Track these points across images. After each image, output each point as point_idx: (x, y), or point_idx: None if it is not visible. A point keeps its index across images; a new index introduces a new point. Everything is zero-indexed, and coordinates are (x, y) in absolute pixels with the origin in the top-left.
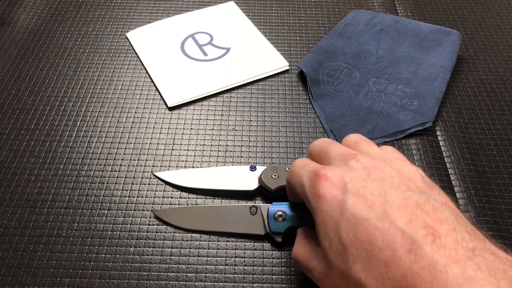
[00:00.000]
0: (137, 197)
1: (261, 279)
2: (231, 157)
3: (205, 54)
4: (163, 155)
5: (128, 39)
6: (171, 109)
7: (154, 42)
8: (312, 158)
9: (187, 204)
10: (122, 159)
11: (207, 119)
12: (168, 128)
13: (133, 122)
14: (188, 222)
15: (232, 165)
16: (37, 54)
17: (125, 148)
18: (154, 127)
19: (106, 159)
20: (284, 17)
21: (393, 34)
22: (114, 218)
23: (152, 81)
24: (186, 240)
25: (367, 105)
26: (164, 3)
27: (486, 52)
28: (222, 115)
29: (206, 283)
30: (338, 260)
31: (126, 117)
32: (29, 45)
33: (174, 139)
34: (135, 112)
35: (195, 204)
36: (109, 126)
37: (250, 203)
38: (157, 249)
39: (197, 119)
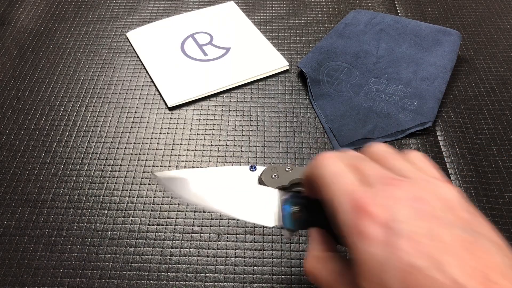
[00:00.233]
0: (137, 197)
1: (261, 279)
2: (231, 157)
3: (205, 54)
4: (163, 155)
5: (128, 39)
6: (171, 109)
7: (154, 42)
8: (345, 157)
9: (187, 205)
10: (122, 159)
11: (207, 119)
12: (168, 128)
13: (133, 122)
14: (190, 193)
15: (232, 165)
16: (37, 54)
17: (125, 148)
18: (154, 127)
19: (106, 159)
20: (284, 17)
21: (393, 34)
22: (114, 218)
23: (152, 81)
24: (186, 240)
25: (367, 105)
26: (164, 3)
27: (486, 52)
28: (222, 115)
29: (206, 283)
30: None
31: (126, 117)
32: (29, 45)
33: (174, 139)
34: (135, 112)
35: (195, 205)
36: (109, 126)
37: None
38: (157, 249)
39: (197, 119)
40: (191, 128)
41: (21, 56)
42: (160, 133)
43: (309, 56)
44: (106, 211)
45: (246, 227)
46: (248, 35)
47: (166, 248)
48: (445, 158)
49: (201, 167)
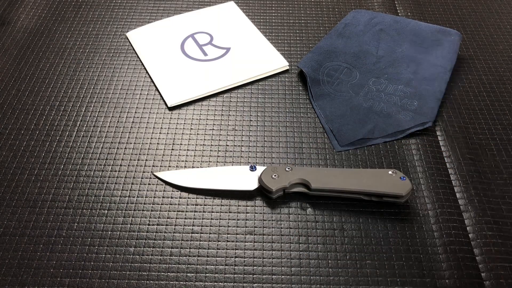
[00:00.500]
0: (137, 197)
1: (261, 279)
2: (231, 157)
3: (205, 54)
4: (163, 155)
5: (128, 39)
6: (171, 109)
7: (154, 42)
8: None
9: (187, 205)
10: (122, 159)
11: (207, 119)
12: (168, 128)
13: (133, 122)
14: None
15: (232, 165)
16: (37, 54)
17: (125, 148)
18: (154, 127)
19: (106, 159)
20: (284, 17)
21: (393, 34)
22: (114, 218)
23: (152, 81)
24: (186, 240)
25: (367, 105)
26: (164, 3)
27: (486, 52)
28: (222, 115)
29: (206, 283)
30: None
31: (126, 117)
32: (29, 45)
33: (174, 139)
34: (135, 112)
35: (195, 205)
36: (109, 126)
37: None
38: (157, 249)
39: (197, 119)
40: (191, 128)
41: (21, 56)
42: (160, 133)
43: (309, 56)
44: (106, 211)
45: (246, 227)
46: (248, 35)
47: (166, 248)
48: (445, 158)
49: (201, 167)
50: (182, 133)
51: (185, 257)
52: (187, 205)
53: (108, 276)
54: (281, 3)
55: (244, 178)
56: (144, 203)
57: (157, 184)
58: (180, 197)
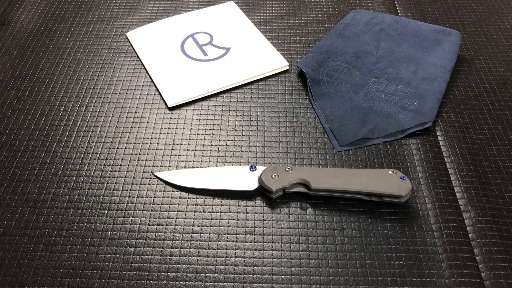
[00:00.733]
0: (137, 197)
1: (261, 279)
2: (231, 157)
3: (205, 54)
4: (163, 155)
5: (128, 39)
6: (171, 109)
7: (154, 42)
8: None
9: (187, 205)
10: (122, 159)
11: (207, 119)
12: (168, 128)
13: (133, 122)
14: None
15: (232, 165)
16: (37, 54)
17: (125, 148)
18: (154, 127)
19: (106, 159)
20: (284, 17)
21: (393, 34)
22: (114, 218)
23: (152, 81)
24: (186, 240)
25: (367, 105)
26: (164, 3)
27: (486, 52)
28: (222, 115)
29: (206, 283)
30: None
31: (126, 117)
32: (29, 45)
33: (174, 139)
34: (135, 112)
35: (195, 205)
36: (109, 126)
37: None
38: (157, 249)
39: (197, 119)
40: (191, 128)
41: (21, 56)
42: (160, 133)
43: (309, 56)
44: (106, 211)
45: (246, 227)
46: (248, 35)
47: (166, 248)
48: (445, 158)
49: (201, 167)
50: (182, 133)
51: (185, 257)
52: (187, 205)
53: (108, 276)
54: (281, 3)
55: (244, 178)
56: (144, 203)
57: (157, 184)
58: (180, 197)
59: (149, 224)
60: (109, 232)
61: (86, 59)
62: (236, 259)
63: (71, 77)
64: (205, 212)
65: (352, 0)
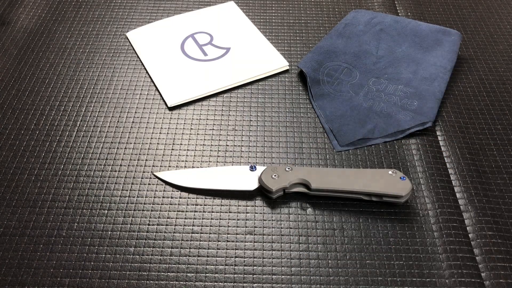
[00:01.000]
0: (137, 197)
1: (261, 279)
2: (231, 157)
3: (205, 54)
4: (163, 155)
5: (128, 39)
6: (171, 109)
7: (154, 42)
8: None
9: (187, 205)
10: (122, 159)
11: (207, 119)
12: (168, 128)
13: (133, 122)
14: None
15: (232, 165)
16: (37, 54)
17: (125, 148)
18: (154, 127)
19: (106, 159)
20: (284, 17)
21: (393, 34)
22: (114, 218)
23: (152, 81)
24: (186, 240)
25: (367, 105)
26: (164, 3)
27: (486, 52)
28: (222, 115)
29: (206, 283)
30: None
31: (126, 117)
32: (29, 45)
33: (174, 139)
34: (135, 112)
35: (195, 205)
36: (109, 126)
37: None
38: (157, 249)
39: (197, 119)
40: (191, 128)
41: (21, 56)
42: (160, 133)
43: (309, 56)
44: (106, 211)
45: (246, 227)
46: (248, 35)
47: (166, 248)
48: (445, 158)
49: (201, 167)
50: (182, 133)
51: (185, 257)
52: (187, 205)
53: (108, 276)
54: (281, 3)
55: (244, 178)
56: (144, 203)
57: (157, 184)
58: (180, 197)
59: (149, 224)
60: (109, 232)
61: (86, 59)
62: (236, 259)
63: (71, 77)
64: (205, 212)
65: (352, 0)
